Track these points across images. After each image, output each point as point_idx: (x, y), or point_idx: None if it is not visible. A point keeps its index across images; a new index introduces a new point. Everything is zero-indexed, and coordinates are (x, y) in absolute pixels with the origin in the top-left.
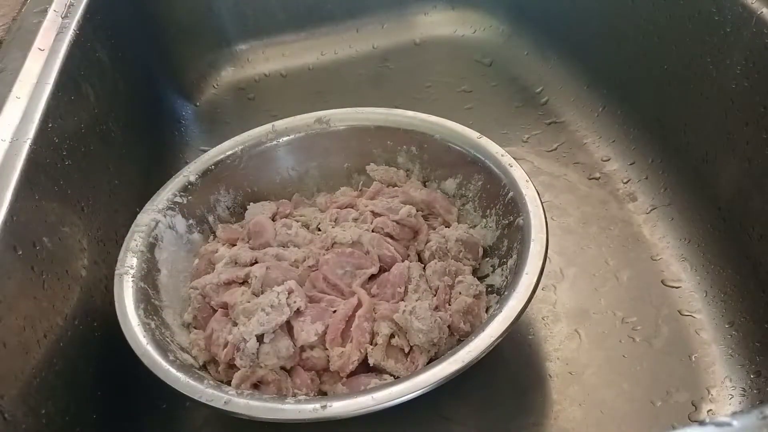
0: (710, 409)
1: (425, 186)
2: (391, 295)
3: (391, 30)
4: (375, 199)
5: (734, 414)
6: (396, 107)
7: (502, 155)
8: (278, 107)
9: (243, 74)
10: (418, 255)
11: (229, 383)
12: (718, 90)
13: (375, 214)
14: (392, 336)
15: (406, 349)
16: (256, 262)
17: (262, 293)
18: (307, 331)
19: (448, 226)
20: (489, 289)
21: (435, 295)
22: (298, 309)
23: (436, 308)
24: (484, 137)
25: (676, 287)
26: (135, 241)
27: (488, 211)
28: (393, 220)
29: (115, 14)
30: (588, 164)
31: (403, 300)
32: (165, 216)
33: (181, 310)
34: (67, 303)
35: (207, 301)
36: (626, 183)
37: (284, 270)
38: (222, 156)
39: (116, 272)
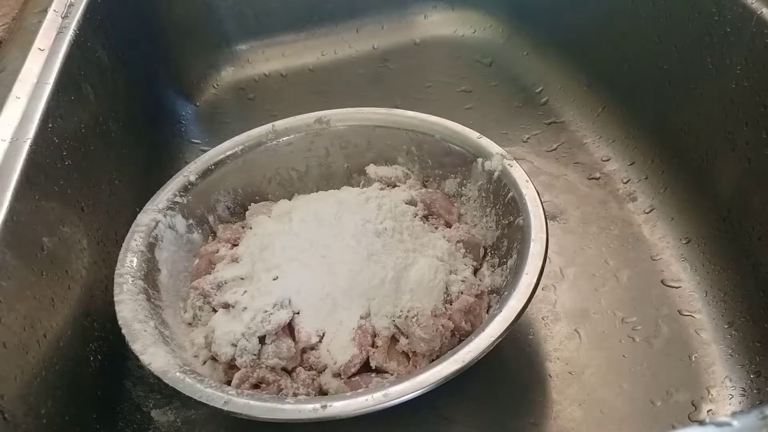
0: (710, 409)
1: (425, 186)
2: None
3: (391, 30)
4: None
5: (734, 414)
6: (396, 107)
7: (502, 155)
8: (278, 107)
9: (243, 74)
10: None
11: (229, 383)
12: (718, 90)
13: None
14: (395, 339)
15: (410, 353)
16: None
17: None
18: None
19: (448, 226)
20: (489, 289)
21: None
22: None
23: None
24: (484, 137)
25: (676, 287)
26: (135, 241)
27: (488, 210)
28: None
29: (115, 14)
30: (588, 164)
31: None
32: (165, 216)
33: (181, 310)
34: (67, 303)
35: (207, 301)
36: (626, 183)
37: None
38: (222, 156)
39: (116, 272)
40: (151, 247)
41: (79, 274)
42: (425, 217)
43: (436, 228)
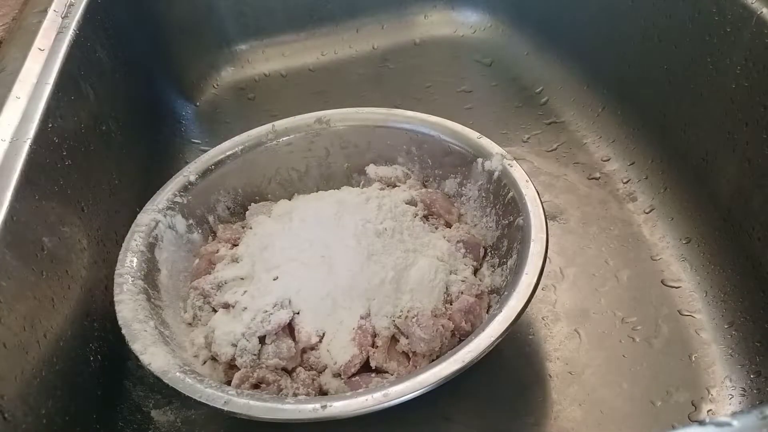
0: (710, 409)
1: (425, 186)
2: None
3: (391, 30)
4: None
5: (734, 414)
6: (396, 107)
7: (502, 155)
8: (278, 107)
9: (243, 74)
10: None
11: (229, 383)
12: (718, 90)
13: None
14: (395, 339)
15: (410, 353)
16: None
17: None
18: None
19: (448, 226)
20: (489, 289)
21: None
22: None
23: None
24: (484, 137)
25: (676, 287)
26: (135, 241)
27: (488, 210)
28: None
29: (115, 14)
30: (588, 164)
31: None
32: (165, 216)
33: (181, 310)
34: (67, 303)
35: (207, 300)
36: (626, 183)
37: None
38: (222, 156)
39: (116, 272)
40: (151, 247)
41: (79, 274)
42: (425, 217)
43: (436, 228)
